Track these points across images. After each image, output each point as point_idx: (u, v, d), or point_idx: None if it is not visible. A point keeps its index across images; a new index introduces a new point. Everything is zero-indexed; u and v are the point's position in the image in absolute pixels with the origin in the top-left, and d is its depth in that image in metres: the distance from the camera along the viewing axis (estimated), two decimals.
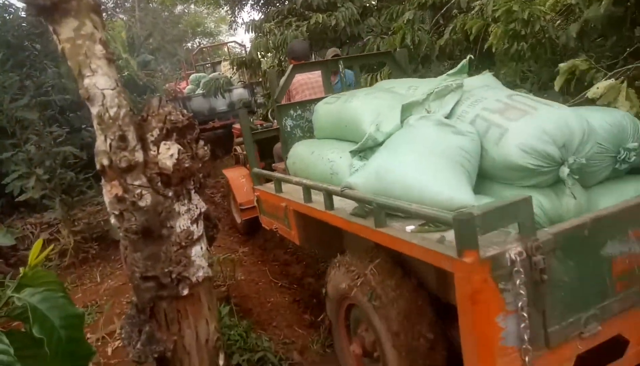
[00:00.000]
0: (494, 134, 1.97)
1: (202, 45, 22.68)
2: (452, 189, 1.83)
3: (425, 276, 2.06)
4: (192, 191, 1.57)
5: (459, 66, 2.52)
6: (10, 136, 5.21)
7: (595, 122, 2.00)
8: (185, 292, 1.55)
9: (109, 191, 1.41)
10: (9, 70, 5.51)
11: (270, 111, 4.98)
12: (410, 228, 1.83)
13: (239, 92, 9.26)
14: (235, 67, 6.83)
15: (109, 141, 1.38)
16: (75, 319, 1.11)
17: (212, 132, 10.58)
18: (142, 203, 1.41)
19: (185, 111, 1.48)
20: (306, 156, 3.07)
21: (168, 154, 1.43)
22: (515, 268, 1.41)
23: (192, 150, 1.53)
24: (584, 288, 1.59)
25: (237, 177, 5.30)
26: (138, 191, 1.40)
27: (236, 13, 11.85)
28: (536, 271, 1.45)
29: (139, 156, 1.40)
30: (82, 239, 4.94)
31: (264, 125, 5.05)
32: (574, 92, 2.70)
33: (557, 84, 2.62)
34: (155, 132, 1.43)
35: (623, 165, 2.06)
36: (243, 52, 11.56)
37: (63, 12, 1.30)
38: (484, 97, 2.19)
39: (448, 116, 2.24)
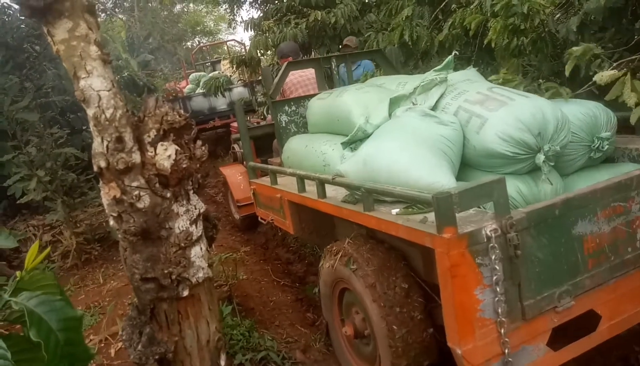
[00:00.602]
0: (475, 124, 2.09)
1: (201, 44, 22.67)
2: (434, 174, 1.94)
3: (413, 261, 2.19)
4: (191, 192, 1.56)
5: (445, 61, 2.59)
6: (11, 138, 5.22)
7: (569, 112, 2.11)
8: (186, 293, 1.55)
9: (107, 193, 1.40)
10: (9, 72, 5.51)
11: (266, 107, 5.02)
12: (395, 210, 1.94)
13: (239, 91, 9.23)
14: (235, 66, 6.80)
15: (105, 142, 1.37)
16: (74, 321, 1.10)
17: (213, 132, 10.59)
18: (140, 205, 1.40)
19: (182, 111, 1.47)
20: (300, 149, 3.19)
21: (165, 155, 1.42)
22: (491, 244, 1.51)
23: (190, 150, 1.52)
24: (557, 264, 1.69)
25: (234, 174, 5.36)
26: (136, 192, 1.39)
27: (235, 11, 11.84)
28: (511, 247, 1.55)
29: (136, 157, 1.39)
30: (85, 241, 4.95)
31: (261, 123, 5.06)
32: (582, 81, 2.67)
33: (568, 69, 2.60)
34: (152, 133, 1.42)
35: (597, 154, 2.18)
36: (243, 50, 11.53)
37: (56, 13, 1.29)
38: (466, 89, 2.32)
39: (433, 108, 2.36)
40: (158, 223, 1.46)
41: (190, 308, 1.60)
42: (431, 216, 1.65)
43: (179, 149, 1.45)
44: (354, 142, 2.59)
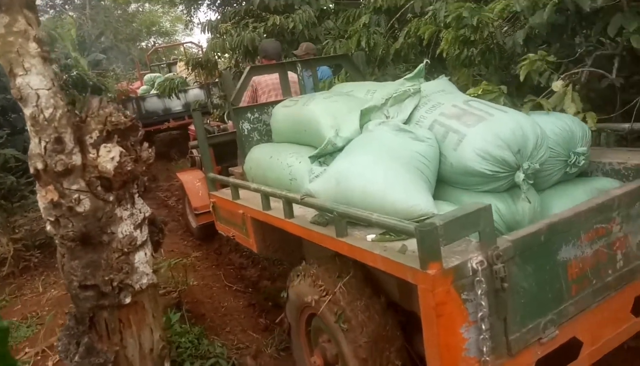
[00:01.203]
0: (452, 140, 1.99)
1: (157, 45, 22.11)
2: (411, 197, 1.82)
3: (387, 284, 2.03)
4: (136, 195, 1.51)
5: (416, 70, 2.51)
6: None
7: (546, 127, 2.04)
8: (128, 300, 1.49)
9: (44, 196, 1.33)
10: None
11: (226, 113, 4.85)
12: (371, 236, 1.80)
13: (195, 93, 9.24)
14: (190, 68, 6.67)
15: (43, 143, 1.31)
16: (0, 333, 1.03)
17: (167, 133, 10.39)
18: (80, 209, 1.34)
19: (127, 112, 1.42)
20: (264, 160, 2.98)
21: (109, 157, 1.36)
22: (477, 278, 1.41)
23: (136, 152, 1.47)
24: (542, 293, 1.61)
25: (191, 180, 5.12)
26: (76, 195, 1.33)
27: (192, 13, 11.60)
28: (497, 279, 1.45)
29: (77, 159, 1.33)
30: (23, 247, 4.68)
31: (221, 127, 4.95)
32: (529, 90, 2.79)
33: (522, 73, 2.70)
34: (95, 134, 1.36)
35: (573, 169, 2.12)
36: (200, 52, 11.35)
37: None
38: (441, 102, 2.22)
39: (406, 121, 2.24)
40: (99, 228, 1.40)
41: (133, 315, 1.54)
42: (411, 244, 1.56)
43: (123, 151, 1.40)
44: (322, 155, 2.45)
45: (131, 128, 1.46)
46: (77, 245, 1.38)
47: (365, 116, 2.40)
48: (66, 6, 21.57)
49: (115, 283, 1.44)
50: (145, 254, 1.54)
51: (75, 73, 7.96)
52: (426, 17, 4.08)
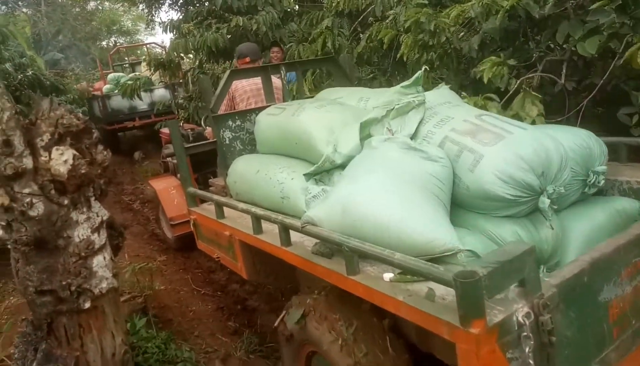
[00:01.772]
0: (467, 160, 1.78)
1: (119, 45, 21.62)
2: (432, 229, 1.61)
3: (401, 321, 1.82)
4: (92, 199, 1.49)
5: (414, 78, 2.31)
6: None
7: (565, 144, 1.86)
8: (87, 305, 1.48)
9: None
10: None
11: (204, 117, 4.58)
12: (388, 276, 1.59)
13: (160, 93, 9.40)
14: (152, 68, 6.57)
15: None
16: None
17: (132, 133, 10.33)
18: (33, 213, 1.32)
19: (80, 114, 1.41)
20: (250, 175, 2.72)
21: (61, 159, 1.35)
22: (524, 333, 1.24)
23: (91, 155, 1.46)
24: (585, 341, 1.45)
25: (166, 188, 4.81)
26: (28, 199, 1.31)
27: (154, 12, 11.41)
28: (544, 332, 1.27)
29: (28, 162, 1.31)
30: None
31: (196, 130, 4.71)
32: (494, 93, 2.85)
33: (486, 75, 2.73)
34: (46, 137, 1.34)
35: (592, 189, 1.97)
36: (163, 53, 11.24)
37: None
38: (450, 116, 2.00)
39: (412, 137, 2.03)
40: (55, 232, 1.38)
41: (93, 320, 1.52)
42: (438, 288, 1.37)
43: (77, 154, 1.38)
44: (319, 173, 2.24)
45: (84, 130, 1.44)
46: (31, 250, 1.36)
47: (364, 129, 2.19)
48: (19, 2, 20.73)
49: (73, 288, 1.42)
50: (104, 258, 1.53)
51: (30, 73, 7.67)
52: (387, 21, 4.17)
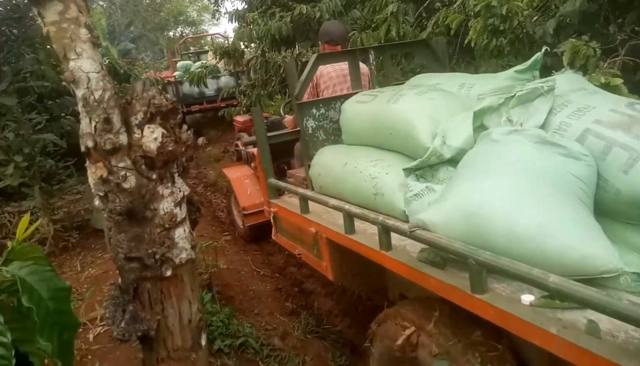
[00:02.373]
0: (620, 159, 1.50)
1: (185, 35, 22.69)
2: (587, 242, 1.35)
3: (522, 345, 1.56)
4: (176, 175, 1.59)
5: (531, 60, 2.08)
6: None
7: None
8: (169, 273, 1.59)
9: (94, 173, 1.43)
10: None
11: (283, 105, 4.39)
12: (528, 298, 1.34)
13: (225, 80, 10.37)
14: (218, 57, 6.80)
15: (93, 123, 1.40)
16: (63, 292, 1.14)
17: (195, 118, 11.37)
18: (126, 185, 1.44)
19: (168, 96, 1.51)
20: (336, 167, 2.51)
21: (152, 137, 1.45)
22: None
23: (176, 134, 1.56)
24: None
25: (239, 177, 4.78)
26: (122, 173, 1.43)
27: (219, 2, 11.85)
28: None
29: (123, 138, 1.43)
30: (62, 228, 4.90)
31: (270, 119, 4.71)
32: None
33: (566, 57, 2.52)
34: (140, 116, 1.45)
35: None
36: (226, 43, 11.73)
37: None
38: (589, 105, 1.70)
39: (541, 129, 1.74)
40: (143, 204, 1.49)
41: (173, 288, 1.64)
42: (599, 318, 1.13)
43: (165, 132, 1.49)
44: (421, 168, 2.00)
45: (172, 111, 1.55)
46: (123, 219, 1.48)
47: (477, 119, 1.94)
48: None
49: (157, 256, 1.54)
50: (184, 230, 1.63)
51: (107, 62, 8.18)
52: (454, 5, 4.07)
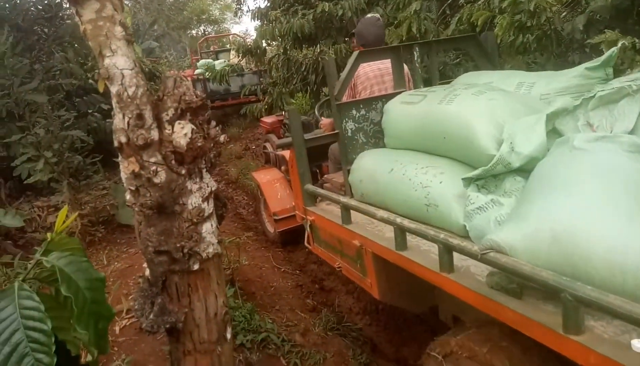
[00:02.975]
0: None
1: (207, 35, 23.09)
2: None
3: None
4: (204, 170, 1.62)
5: (605, 56, 1.86)
6: (18, 119, 5.28)
7: None
8: (196, 267, 1.62)
9: (126, 168, 1.47)
10: (19, 54, 5.56)
11: (318, 105, 4.19)
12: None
13: (249, 77, 10.84)
14: (240, 55, 6.86)
15: (127, 119, 1.43)
16: (98, 282, 1.18)
17: (216, 116, 11.88)
18: (157, 180, 1.47)
19: (198, 92, 1.53)
20: (380, 173, 2.30)
21: (182, 133, 1.48)
22: None
23: (204, 130, 1.58)
24: None
25: (269, 181, 4.63)
26: (153, 167, 1.46)
27: (242, 1, 11.99)
28: None
29: (155, 134, 1.46)
30: (89, 223, 5.03)
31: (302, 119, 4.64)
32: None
33: (606, 49, 2.38)
34: (171, 112, 1.48)
35: None
36: (248, 41, 11.97)
37: None
38: None
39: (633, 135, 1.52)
40: (172, 198, 1.52)
41: (200, 281, 1.66)
42: None
43: (194, 128, 1.51)
44: (483, 178, 1.78)
45: (201, 107, 1.57)
46: (153, 213, 1.51)
47: (549, 123, 1.74)
48: None
49: (185, 250, 1.57)
50: (211, 225, 1.66)
51: None
52: (479, 2, 4.02)
